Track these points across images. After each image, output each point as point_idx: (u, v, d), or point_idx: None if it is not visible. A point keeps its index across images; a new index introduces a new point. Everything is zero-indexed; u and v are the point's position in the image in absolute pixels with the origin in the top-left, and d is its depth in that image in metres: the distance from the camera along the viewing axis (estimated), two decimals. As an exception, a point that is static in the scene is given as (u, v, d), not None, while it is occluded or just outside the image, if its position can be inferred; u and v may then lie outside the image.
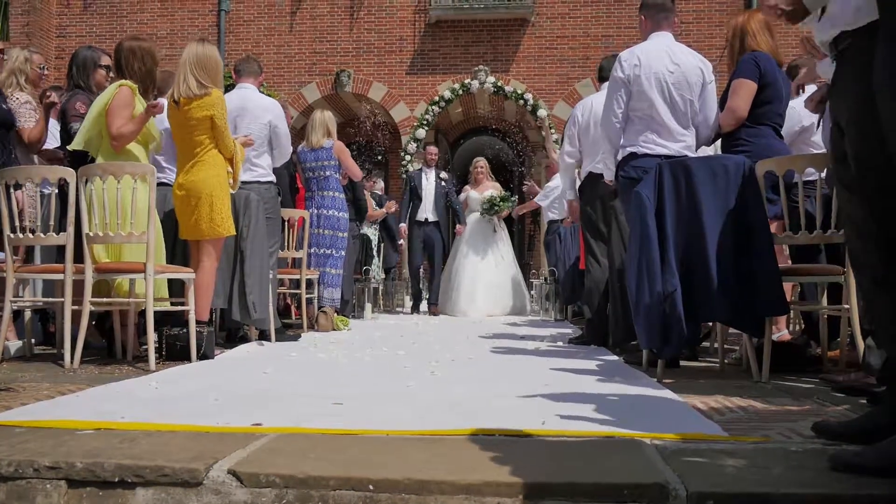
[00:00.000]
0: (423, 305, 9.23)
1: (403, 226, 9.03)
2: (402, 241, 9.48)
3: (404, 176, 11.67)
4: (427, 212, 8.90)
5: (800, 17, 2.16)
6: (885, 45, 1.65)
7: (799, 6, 2.13)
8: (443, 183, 8.94)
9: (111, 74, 4.31)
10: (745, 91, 3.69)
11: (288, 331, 5.30)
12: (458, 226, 9.16)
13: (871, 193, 1.89)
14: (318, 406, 2.43)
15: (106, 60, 4.33)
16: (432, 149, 9.27)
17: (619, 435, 2.00)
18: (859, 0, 1.87)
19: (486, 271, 8.84)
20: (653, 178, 3.25)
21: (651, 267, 3.10)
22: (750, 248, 3.08)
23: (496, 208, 9.00)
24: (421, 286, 9.31)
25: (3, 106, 4.19)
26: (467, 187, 9.43)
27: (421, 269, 9.28)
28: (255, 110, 4.88)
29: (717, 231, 3.09)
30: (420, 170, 9.25)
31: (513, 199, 9.23)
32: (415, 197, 8.96)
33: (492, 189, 9.13)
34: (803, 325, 4.24)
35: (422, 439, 1.98)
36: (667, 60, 3.90)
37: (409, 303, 10.19)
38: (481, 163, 9.54)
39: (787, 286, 3.70)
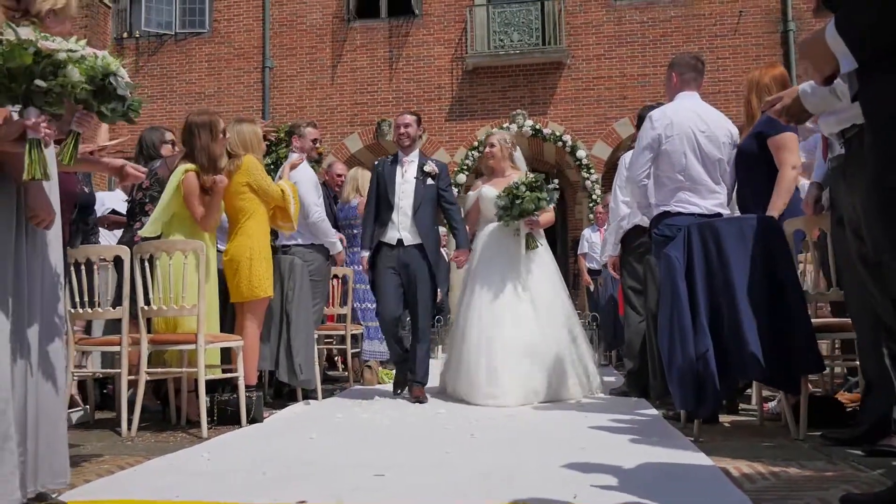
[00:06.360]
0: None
1: (365, 254, 5.15)
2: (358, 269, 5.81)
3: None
4: (402, 228, 5.02)
5: (804, 120, 2.30)
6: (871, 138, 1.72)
7: (803, 112, 2.25)
8: (429, 180, 5.06)
9: (177, 148, 4.72)
10: (796, 144, 3.70)
11: (335, 385, 5.42)
12: (455, 251, 5.40)
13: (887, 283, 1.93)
14: (360, 478, 2.55)
15: (169, 136, 4.92)
16: (407, 118, 5.21)
17: (647, 510, 2.07)
18: None
19: (517, 324, 4.84)
20: (682, 239, 3.32)
21: (683, 328, 3.16)
22: (782, 306, 3.13)
23: (519, 205, 4.90)
24: (403, 348, 5.21)
25: (86, 189, 4.55)
26: (478, 182, 5.53)
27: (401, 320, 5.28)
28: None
29: (748, 290, 3.13)
30: (392, 159, 5.24)
31: (551, 187, 5.06)
32: (383, 204, 5.09)
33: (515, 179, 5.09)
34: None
35: (457, 517, 2.07)
36: (696, 119, 3.98)
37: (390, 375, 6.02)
38: (494, 138, 5.43)
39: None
